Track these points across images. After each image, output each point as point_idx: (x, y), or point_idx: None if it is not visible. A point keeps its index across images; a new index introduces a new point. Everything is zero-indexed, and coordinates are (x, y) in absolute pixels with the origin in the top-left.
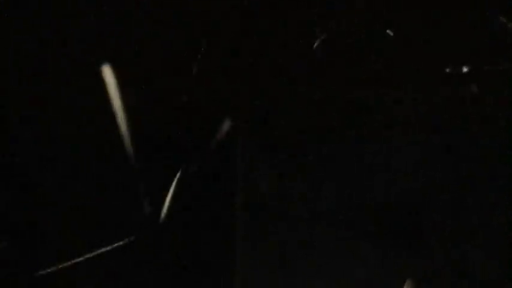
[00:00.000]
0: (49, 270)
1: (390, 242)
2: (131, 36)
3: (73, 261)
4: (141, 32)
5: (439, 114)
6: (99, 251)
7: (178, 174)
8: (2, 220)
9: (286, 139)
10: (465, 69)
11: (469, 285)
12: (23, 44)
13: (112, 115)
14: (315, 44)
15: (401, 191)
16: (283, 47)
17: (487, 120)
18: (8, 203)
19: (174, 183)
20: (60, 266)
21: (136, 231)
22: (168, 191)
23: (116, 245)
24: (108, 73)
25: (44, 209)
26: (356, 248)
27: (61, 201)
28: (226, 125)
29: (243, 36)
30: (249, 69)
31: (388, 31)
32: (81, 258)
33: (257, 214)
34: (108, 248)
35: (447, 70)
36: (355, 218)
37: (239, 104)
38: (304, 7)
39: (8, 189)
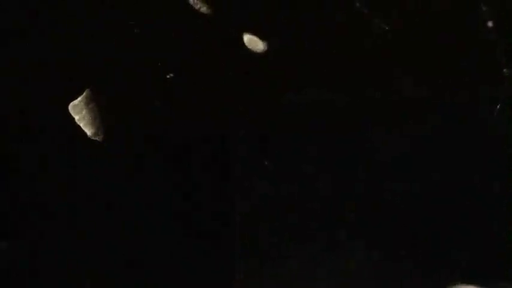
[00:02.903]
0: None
1: (390, 244)
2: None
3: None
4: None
5: (437, 115)
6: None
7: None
8: (1, 220)
9: (284, 141)
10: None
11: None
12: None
13: None
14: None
15: (400, 193)
16: (282, 48)
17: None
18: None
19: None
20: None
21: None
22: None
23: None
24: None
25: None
26: (353, 247)
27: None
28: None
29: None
30: (248, 72)
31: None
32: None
33: (256, 215)
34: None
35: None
36: (352, 219)
37: (238, 106)
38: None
39: (7, 190)
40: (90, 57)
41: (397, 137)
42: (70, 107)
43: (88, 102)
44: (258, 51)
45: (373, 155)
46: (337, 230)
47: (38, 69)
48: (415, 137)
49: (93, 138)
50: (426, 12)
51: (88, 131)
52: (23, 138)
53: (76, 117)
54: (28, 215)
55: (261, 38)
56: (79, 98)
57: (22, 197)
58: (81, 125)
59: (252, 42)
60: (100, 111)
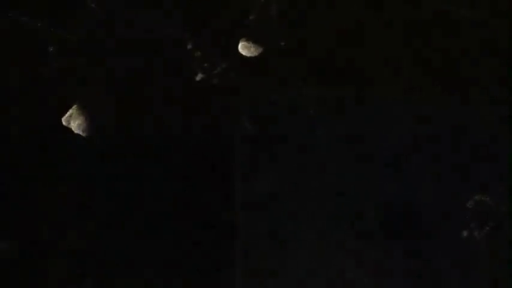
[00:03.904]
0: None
1: (390, 240)
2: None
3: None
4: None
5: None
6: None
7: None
8: (1, 221)
9: (283, 141)
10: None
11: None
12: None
13: None
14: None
15: (401, 191)
16: (282, 47)
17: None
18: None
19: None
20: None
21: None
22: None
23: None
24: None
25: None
26: (353, 246)
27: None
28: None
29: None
30: (248, 71)
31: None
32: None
33: (256, 213)
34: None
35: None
36: (352, 219)
37: (239, 104)
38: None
39: (7, 191)
40: (90, 57)
41: (393, 137)
42: (63, 120)
43: (81, 111)
44: (251, 55)
45: (369, 155)
46: (337, 229)
47: (38, 70)
48: (410, 137)
49: (91, 140)
50: (421, 13)
51: (86, 135)
52: (23, 138)
53: (72, 126)
54: (28, 215)
55: (253, 41)
56: (69, 112)
57: (22, 197)
58: (79, 132)
59: (245, 47)
60: (95, 116)
